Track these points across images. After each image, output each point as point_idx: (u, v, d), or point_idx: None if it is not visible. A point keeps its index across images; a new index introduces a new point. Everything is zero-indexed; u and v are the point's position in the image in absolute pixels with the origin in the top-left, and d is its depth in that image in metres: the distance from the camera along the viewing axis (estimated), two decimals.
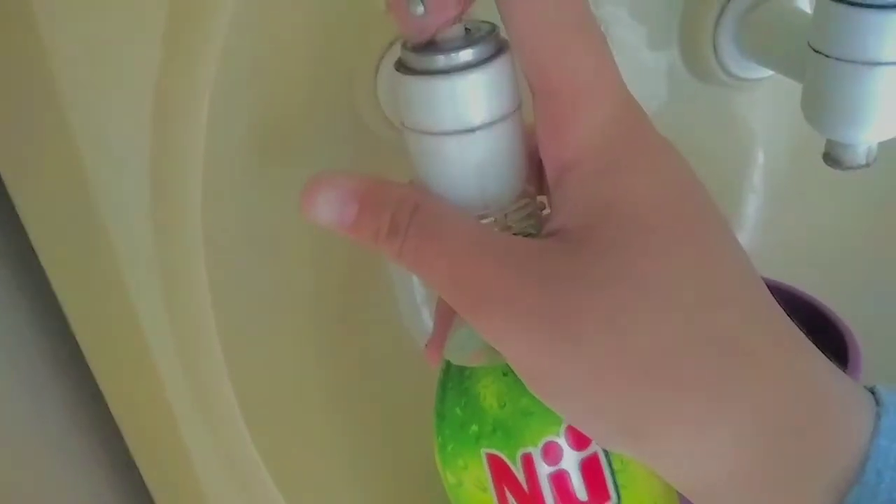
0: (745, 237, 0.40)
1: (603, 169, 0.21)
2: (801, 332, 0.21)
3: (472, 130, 0.23)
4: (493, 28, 0.24)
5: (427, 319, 0.36)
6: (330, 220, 0.22)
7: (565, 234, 0.21)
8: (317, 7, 0.26)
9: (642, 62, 0.35)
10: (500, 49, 0.23)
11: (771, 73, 0.34)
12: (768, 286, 0.29)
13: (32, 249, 0.26)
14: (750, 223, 0.40)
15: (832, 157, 0.30)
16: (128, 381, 0.28)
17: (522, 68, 0.22)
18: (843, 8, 0.26)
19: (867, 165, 0.29)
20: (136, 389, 0.28)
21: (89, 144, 0.22)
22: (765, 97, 0.36)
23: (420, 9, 0.22)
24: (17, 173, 0.24)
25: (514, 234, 0.26)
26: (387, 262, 0.35)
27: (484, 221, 0.25)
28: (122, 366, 0.27)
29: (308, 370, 0.32)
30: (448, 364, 0.28)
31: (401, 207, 0.22)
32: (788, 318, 0.21)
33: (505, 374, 0.27)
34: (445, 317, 0.27)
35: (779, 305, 0.21)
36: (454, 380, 0.28)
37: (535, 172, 0.25)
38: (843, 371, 0.29)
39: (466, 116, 0.23)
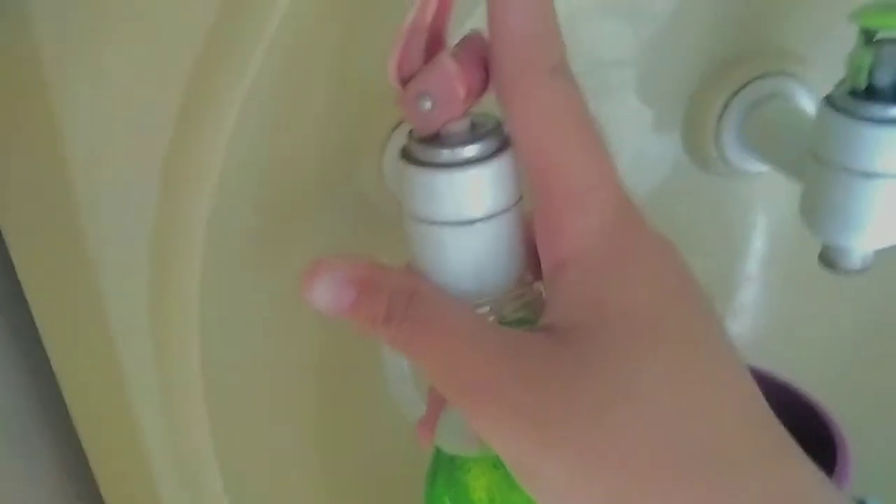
0: (741, 325, 0.40)
1: (595, 270, 0.22)
2: (790, 437, 0.21)
3: (471, 223, 0.24)
4: (498, 123, 0.24)
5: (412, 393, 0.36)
6: (328, 305, 0.22)
7: (557, 331, 0.22)
8: (325, 87, 0.27)
9: (645, 149, 0.35)
10: (502, 145, 0.24)
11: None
12: (760, 376, 0.29)
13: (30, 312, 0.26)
14: (747, 311, 0.40)
15: (828, 260, 0.30)
16: (114, 450, 0.28)
17: (521, 165, 0.23)
18: (844, 119, 0.27)
19: (862, 271, 0.30)
20: (121, 460, 0.28)
21: (92, 216, 0.23)
22: (765, 189, 0.36)
23: (427, 105, 0.23)
24: (20, 239, 0.24)
25: (510, 321, 0.26)
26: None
27: (480, 310, 0.25)
28: (109, 436, 0.27)
29: (298, 448, 0.32)
30: (438, 451, 0.28)
31: (397, 295, 0.22)
32: (778, 422, 0.21)
33: (496, 467, 0.27)
34: (438, 399, 0.27)
35: (769, 407, 0.21)
36: (444, 467, 0.28)
37: (535, 260, 0.25)
38: (832, 469, 0.29)
39: (466, 209, 0.23)
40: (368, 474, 0.35)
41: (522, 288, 0.26)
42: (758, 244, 0.38)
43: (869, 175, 0.27)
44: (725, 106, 0.34)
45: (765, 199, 0.37)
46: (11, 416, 0.30)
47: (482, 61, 0.23)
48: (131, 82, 0.23)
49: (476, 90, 0.23)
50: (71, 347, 0.27)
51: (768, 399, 0.22)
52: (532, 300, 0.26)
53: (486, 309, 0.26)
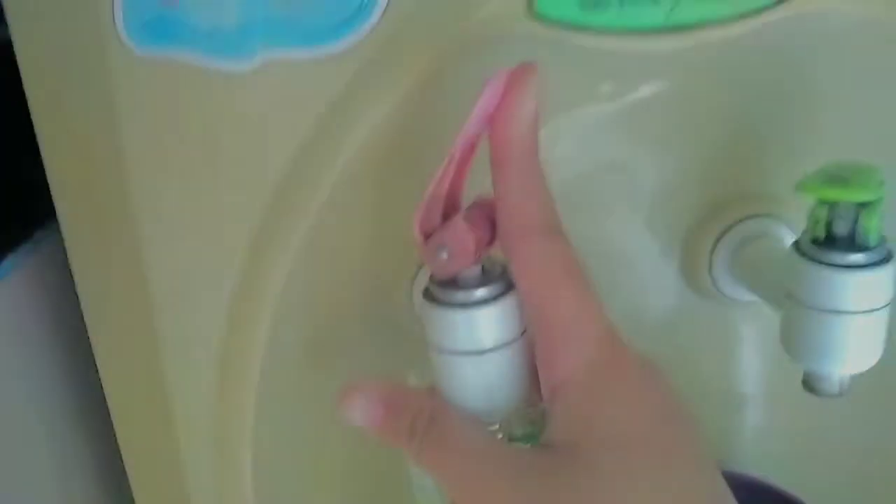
0: (742, 441, 0.43)
1: (585, 394, 0.25)
2: None
3: (482, 353, 0.28)
4: (504, 269, 0.29)
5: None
6: (360, 421, 0.26)
7: (554, 450, 0.25)
8: (366, 234, 0.32)
9: (647, 279, 0.40)
10: (508, 287, 0.28)
11: None
12: (762, 487, 0.32)
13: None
14: (746, 428, 0.43)
15: (808, 385, 0.33)
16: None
17: (523, 304, 0.27)
18: (809, 263, 0.31)
19: (840, 395, 0.33)
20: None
21: (171, 340, 0.28)
22: (758, 315, 0.40)
23: (444, 255, 0.27)
24: (100, 330, 0.29)
25: (518, 437, 0.30)
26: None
27: (492, 427, 0.29)
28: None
29: None
30: None
31: (419, 416, 0.26)
32: None
33: None
34: None
35: None
36: None
37: (539, 383, 0.29)
38: None
39: (478, 341, 0.28)
40: None
41: (529, 408, 0.30)
42: (754, 365, 0.41)
43: (833, 312, 0.30)
44: (716, 242, 0.38)
45: (758, 323, 0.40)
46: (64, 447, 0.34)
47: (490, 220, 0.28)
48: (209, 225, 0.28)
49: (485, 243, 0.28)
50: (139, 430, 0.31)
51: None
52: (537, 418, 0.30)
53: (496, 426, 0.30)
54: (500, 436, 0.29)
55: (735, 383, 0.42)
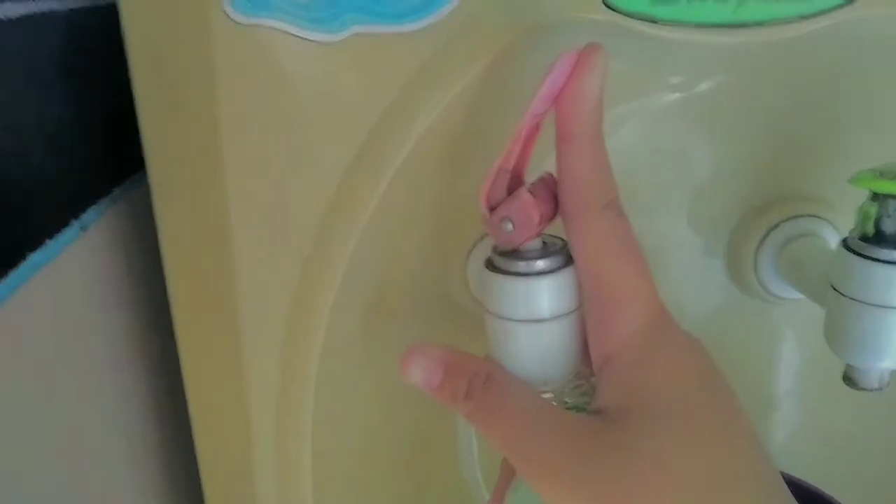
0: (781, 436, 0.43)
1: (635, 363, 0.26)
2: None
3: (540, 321, 0.29)
4: (564, 244, 0.30)
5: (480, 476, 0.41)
6: (420, 382, 0.27)
7: (605, 414, 0.26)
8: (427, 212, 0.34)
9: (693, 274, 0.41)
10: (567, 261, 0.30)
11: None
12: (796, 484, 0.33)
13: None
14: (786, 423, 0.43)
15: (849, 378, 0.34)
16: (228, 478, 0.33)
17: (580, 277, 0.28)
18: (857, 259, 0.32)
19: (880, 389, 0.34)
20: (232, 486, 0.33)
21: (247, 296, 0.29)
22: (802, 312, 0.40)
23: (509, 227, 0.29)
24: (182, 295, 0.31)
25: (569, 406, 0.31)
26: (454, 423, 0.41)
27: (544, 396, 0.31)
28: (225, 464, 0.33)
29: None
30: None
31: (475, 377, 0.27)
32: (789, 496, 0.25)
33: None
34: (508, 473, 0.32)
35: (789, 492, 0.25)
36: None
37: (590, 356, 0.30)
38: None
39: (536, 310, 0.29)
40: None
41: (580, 379, 0.31)
42: (793, 363, 0.42)
43: (879, 307, 0.31)
44: (762, 241, 0.39)
45: (802, 320, 0.41)
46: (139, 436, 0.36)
47: (553, 195, 0.29)
48: (290, 187, 0.30)
49: (547, 217, 0.29)
50: (208, 398, 0.33)
51: None
52: (587, 390, 0.31)
53: (548, 395, 0.31)
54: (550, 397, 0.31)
55: (774, 381, 0.43)
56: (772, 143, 0.37)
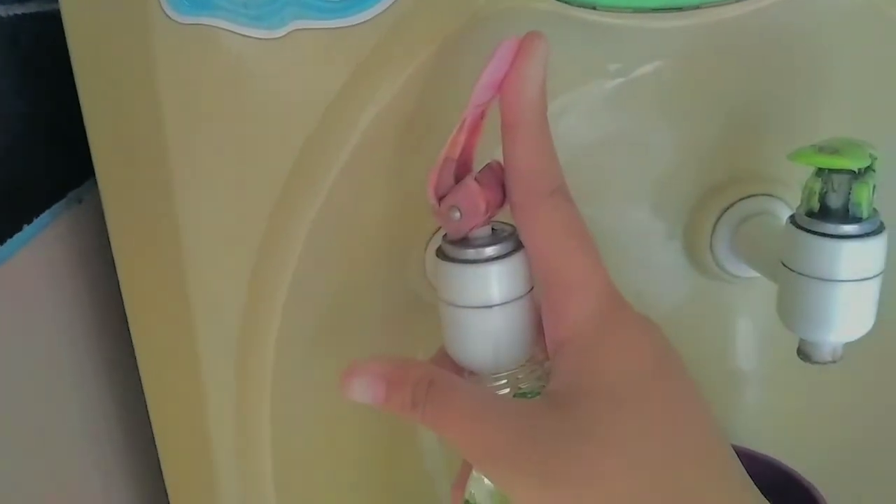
0: (741, 419, 0.44)
1: (587, 347, 0.27)
2: (760, 494, 0.25)
3: (489, 307, 0.29)
4: (513, 230, 0.31)
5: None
6: (364, 399, 0.27)
7: (557, 398, 0.26)
8: (381, 201, 0.34)
9: (651, 257, 0.41)
10: (516, 246, 0.30)
11: None
12: (758, 459, 0.32)
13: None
14: (746, 401, 0.44)
15: (803, 353, 0.35)
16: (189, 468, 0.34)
17: (531, 264, 0.28)
18: (804, 235, 0.32)
19: (833, 362, 0.34)
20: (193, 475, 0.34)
21: (199, 295, 0.30)
22: (759, 291, 0.41)
23: (457, 215, 0.29)
24: (132, 286, 0.31)
25: (524, 391, 0.31)
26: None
27: (498, 382, 0.31)
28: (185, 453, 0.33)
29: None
30: None
31: (419, 386, 0.26)
32: (749, 480, 0.25)
33: None
34: (467, 465, 0.32)
35: (742, 468, 0.25)
36: None
37: (545, 341, 0.30)
38: None
39: (486, 296, 0.29)
40: None
41: (534, 364, 0.32)
42: (753, 342, 0.43)
43: (827, 280, 0.32)
44: (717, 221, 0.39)
45: (758, 299, 0.42)
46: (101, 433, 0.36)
47: (500, 183, 0.29)
48: (238, 184, 0.30)
49: (495, 204, 0.29)
50: (166, 404, 0.33)
51: (758, 479, 0.26)
52: (542, 375, 0.32)
53: (503, 381, 0.31)
54: (507, 391, 0.31)
55: (734, 360, 0.43)
56: (722, 124, 0.38)
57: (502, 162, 0.28)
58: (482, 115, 0.29)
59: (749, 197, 0.39)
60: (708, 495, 0.24)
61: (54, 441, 0.32)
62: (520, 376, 0.31)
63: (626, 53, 0.33)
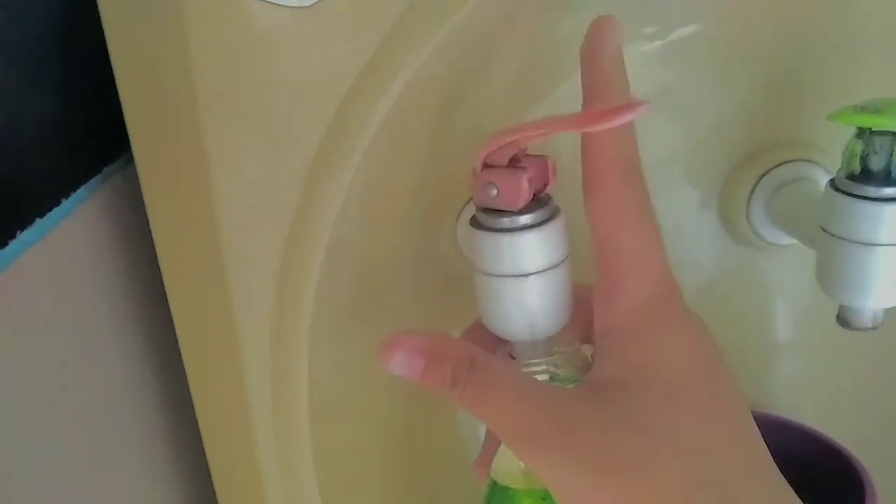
0: (779, 389, 0.43)
1: (636, 337, 0.26)
2: (790, 488, 0.25)
3: (525, 276, 0.29)
4: (549, 197, 0.30)
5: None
6: (402, 373, 0.26)
7: (599, 385, 0.26)
8: (414, 172, 0.34)
9: (686, 224, 0.41)
10: (552, 214, 0.30)
11: None
12: (797, 429, 0.32)
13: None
14: (781, 370, 0.44)
15: (842, 319, 0.34)
16: (232, 458, 0.34)
17: (593, 240, 0.27)
18: (844, 198, 0.32)
19: (874, 328, 0.34)
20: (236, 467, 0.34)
21: (235, 264, 0.30)
22: (795, 259, 0.41)
23: (493, 192, 0.29)
24: (172, 268, 0.32)
25: (562, 379, 0.30)
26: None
27: (535, 368, 0.30)
28: (228, 443, 0.34)
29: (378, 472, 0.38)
30: (494, 482, 0.32)
31: (459, 363, 0.26)
32: (779, 474, 0.25)
33: (543, 499, 0.31)
34: (493, 440, 0.32)
35: (779, 471, 0.25)
36: (498, 497, 0.32)
37: (587, 328, 0.29)
38: None
39: (521, 265, 0.29)
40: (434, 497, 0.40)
41: (571, 350, 0.31)
42: (789, 308, 0.42)
43: (868, 244, 0.31)
44: (754, 188, 0.39)
45: (795, 267, 0.41)
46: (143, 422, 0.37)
47: (544, 180, 0.29)
48: (271, 154, 0.30)
49: (536, 191, 0.29)
50: (205, 371, 0.34)
51: (796, 448, 0.25)
52: (580, 361, 0.31)
53: (541, 368, 0.31)
54: (545, 377, 0.30)
55: (771, 330, 0.43)
56: (759, 89, 0.37)
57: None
58: (559, 130, 0.27)
59: (786, 163, 0.38)
60: (753, 489, 0.24)
61: (97, 409, 0.33)
62: (558, 362, 0.31)
63: (664, 16, 0.32)
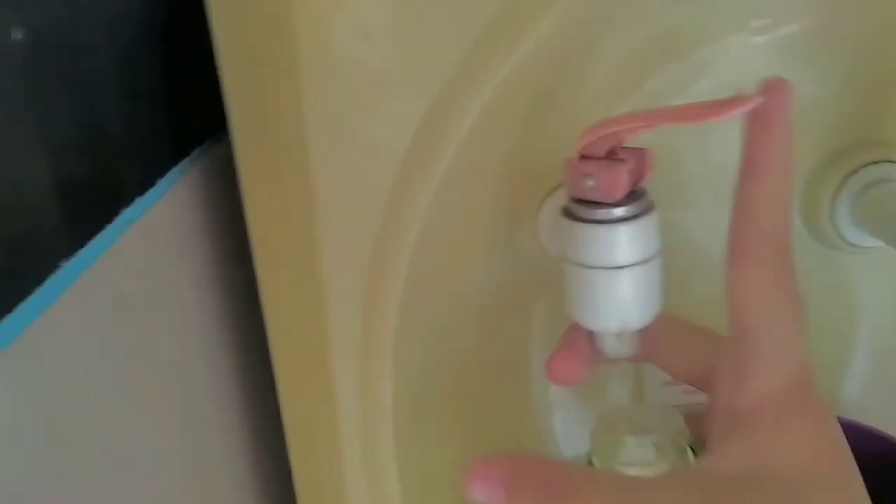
0: (853, 392, 0.43)
1: (766, 427, 0.24)
2: None
3: (620, 268, 0.29)
4: (644, 190, 0.30)
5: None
6: (488, 501, 0.25)
7: (716, 477, 0.24)
8: (499, 169, 0.34)
9: None
10: (647, 208, 0.30)
11: None
12: (872, 434, 0.31)
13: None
14: (861, 376, 0.43)
15: None
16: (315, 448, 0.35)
17: (729, 312, 0.25)
18: None
19: None
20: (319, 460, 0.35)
21: (329, 247, 0.30)
22: (879, 261, 0.40)
23: (590, 183, 0.29)
24: (267, 263, 0.32)
25: (667, 453, 0.28)
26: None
27: (645, 441, 0.28)
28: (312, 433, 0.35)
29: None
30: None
31: (539, 491, 0.24)
32: None
33: None
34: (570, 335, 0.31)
35: None
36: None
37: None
38: None
39: (615, 257, 0.29)
40: None
41: (677, 431, 0.30)
42: (872, 311, 0.41)
43: None
44: (838, 188, 0.38)
45: (881, 269, 0.40)
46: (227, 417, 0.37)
47: (642, 173, 0.29)
48: (370, 136, 0.30)
49: (634, 184, 0.29)
50: (293, 365, 0.34)
51: (883, 458, 0.24)
52: (682, 443, 0.30)
53: (650, 440, 0.29)
54: (651, 449, 0.29)
55: (854, 332, 0.42)
56: (852, 87, 0.37)
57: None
58: (663, 122, 0.27)
59: (874, 163, 0.37)
60: None
61: (182, 387, 0.33)
62: (665, 443, 0.30)
63: (767, 11, 0.32)
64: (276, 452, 0.38)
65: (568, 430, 0.42)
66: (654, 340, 0.30)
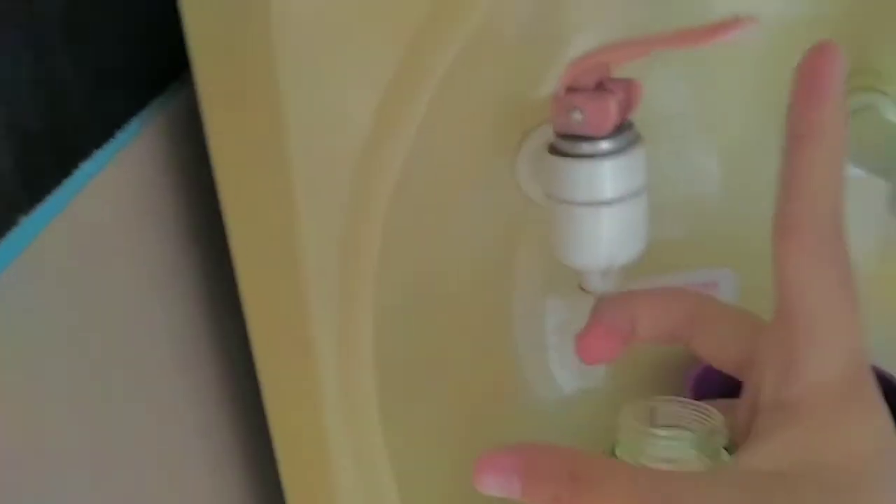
0: None
1: (817, 422, 0.22)
2: None
3: (607, 203, 0.28)
4: (630, 123, 0.29)
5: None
6: (501, 494, 0.23)
7: (756, 473, 0.22)
8: (479, 109, 0.32)
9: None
10: (633, 141, 0.29)
11: None
12: None
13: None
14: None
15: None
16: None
17: (777, 295, 0.23)
18: None
19: None
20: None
21: (303, 192, 0.29)
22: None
23: (578, 117, 0.28)
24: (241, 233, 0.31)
25: (707, 456, 0.26)
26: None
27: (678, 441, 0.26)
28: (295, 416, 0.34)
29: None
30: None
31: (558, 479, 0.22)
32: None
33: None
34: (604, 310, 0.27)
35: None
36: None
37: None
38: None
39: (600, 191, 0.28)
40: None
41: (714, 429, 0.28)
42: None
43: None
44: None
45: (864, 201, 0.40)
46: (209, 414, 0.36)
47: (630, 104, 0.28)
48: (344, 79, 0.28)
49: (623, 118, 0.28)
50: (266, 312, 0.33)
51: None
52: (724, 441, 0.28)
53: (685, 437, 0.26)
54: (686, 445, 0.26)
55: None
56: (848, 10, 0.35)
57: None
58: (657, 47, 0.25)
59: (855, 91, 0.37)
60: None
61: (149, 351, 0.32)
62: (704, 441, 0.27)
63: None
64: (258, 429, 0.37)
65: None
66: (690, 323, 0.26)
